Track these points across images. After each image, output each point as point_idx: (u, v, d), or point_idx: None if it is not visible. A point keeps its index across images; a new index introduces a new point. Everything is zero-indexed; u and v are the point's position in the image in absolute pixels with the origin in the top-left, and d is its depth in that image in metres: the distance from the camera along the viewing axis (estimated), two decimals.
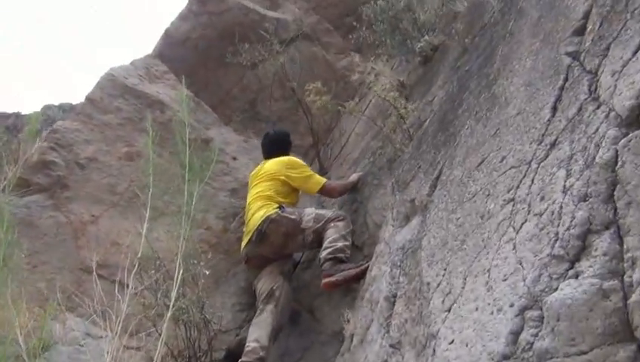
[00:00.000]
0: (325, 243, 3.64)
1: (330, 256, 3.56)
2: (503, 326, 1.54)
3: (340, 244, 3.60)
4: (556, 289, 1.46)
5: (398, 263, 2.58)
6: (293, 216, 3.83)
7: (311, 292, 3.90)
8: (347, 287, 3.49)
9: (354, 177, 4.12)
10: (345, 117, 6.25)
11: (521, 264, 1.63)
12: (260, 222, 3.80)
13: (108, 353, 2.86)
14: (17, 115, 5.26)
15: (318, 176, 4.12)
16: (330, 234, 3.67)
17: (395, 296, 2.47)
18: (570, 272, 1.46)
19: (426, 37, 4.88)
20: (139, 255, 3.17)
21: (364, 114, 4.71)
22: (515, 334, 1.50)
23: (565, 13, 2.56)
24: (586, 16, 2.37)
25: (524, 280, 1.57)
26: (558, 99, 2.10)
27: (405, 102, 4.01)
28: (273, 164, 4.14)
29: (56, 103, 6.65)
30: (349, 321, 3.11)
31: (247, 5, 6.80)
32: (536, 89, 2.32)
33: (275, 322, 3.65)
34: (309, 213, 3.87)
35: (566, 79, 2.14)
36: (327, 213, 3.89)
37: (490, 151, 2.30)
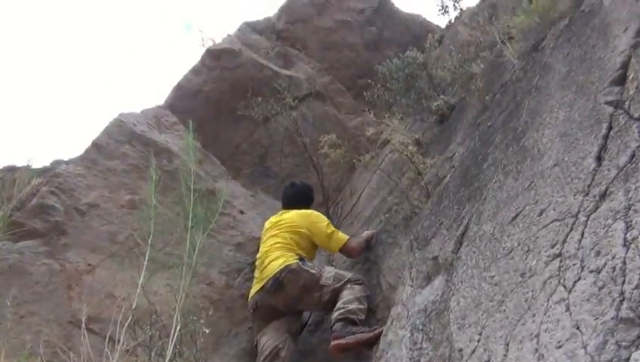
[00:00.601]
0: (338, 304, 3.38)
1: (341, 317, 3.29)
2: None
3: (353, 306, 3.33)
4: (627, 359, 1.23)
5: (420, 327, 2.33)
6: (313, 271, 3.61)
7: (318, 358, 3.60)
8: (358, 354, 3.19)
9: (367, 234, 3.90)
10: (356, 175, 6.11)
11: (578, 328, 1.39)
12: (278, 270, 3.56)
13: None
14: (27, 169, 5.09)
15: (341, 234, 3.89)
16: (345, 296, 3.42)
17: None
18: None
19: (443, 96, 4.80)
20: (133, 306, 2.90)
21: (378, 168, 4.54)
22: None
23: (599, 65, 2.46)
24: (624, 66, 2.27)
25: (584, 348, 1.33)
26: (603, 148, 1.94)
27: (423, 158, 3.85)
28: (295, 216, 3.94)
29: (66, 158, 6.57)
30: None
31: (260, 62, 6.82)
32: (575, 139, 2.16)
33: None
34: (330, 271, 3.65)
35: (610, 127, 1.99)
36: (347, 274, 3.66)
37: (526, 205, 2.11)
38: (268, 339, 3.54)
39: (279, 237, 3.79)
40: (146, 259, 3.07)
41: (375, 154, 5.14)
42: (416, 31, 7.63)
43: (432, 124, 4.85)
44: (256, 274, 3.78)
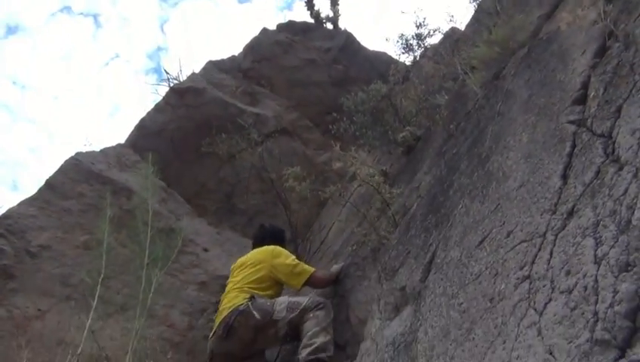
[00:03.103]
0: (304, 340, 3.18)
1: (311, 357, 3.09)
2: None
3: (320, 341, 3.15)
4: None
5: (389, 361, 2.19)
6: (264, 307, 3.38)
7: None
8: None
9: (335, 268, 3.75)
10: (325, 210, 6.00)
11: (551, 353, 1.29)
12: (227, 313, 3.35)
13: None
14: None
15: (306, 266, 3.70)
16: (310, 328, 3.22)
17: None
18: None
19: (408, 127, 4.78)
20: (79, 351, 2.69)
21: (347, 201, 4.45)
22: None
23: (560, 87, 2.45)
24: (585, 86, 2.26)
25: None
26: (568, 166, 1.88)
27: (390, 188, 3.78)
28: (258, 253, 3.78)
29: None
30: None
31: (225, 100, 6.75)
32: (539, 159, 2.12)
33: None
34: (282, 302, 3.42)
35: (574, 145, 1.95)
36: (303, 299, 3.45)
37: (492, 228, 2.03)
38: None
39: (239, 276, 3.61)
40: (95, 300, 2.86)
41: (343, 187, 5.06)
42: (382, 68, 7.69)
43: (399, 156, 4.82)
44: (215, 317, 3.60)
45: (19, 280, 3.66)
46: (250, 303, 3.35)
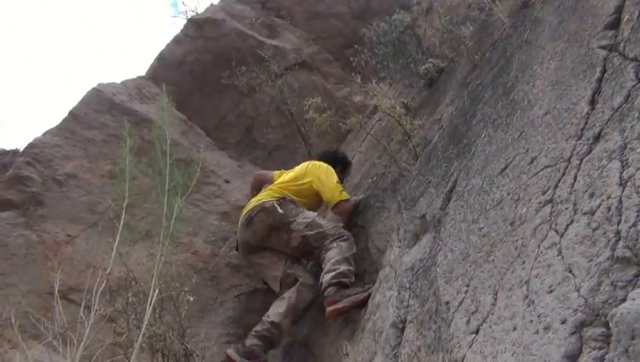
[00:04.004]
0: (328, 266, 3.28)
1: (334, 281, 3.19)
2: (554, 347, 1.21)
3: (343, 268, 3.24)
4: (624, 299, 1.14)
5: (407, 285, 2.24)
6: (286, 212, 3.53)
7: (306, 324, 3.53)
8: (347, 317, 3.11)
9: (355, 200, 3.79)
10: (344, 145, 6.00)
11: (571, 271, 1.31)
12: (252, 206, 3.60)
13: None
14: (15, 152, 4.95)
15: (344, 193, 3.77)
16: (333, 256, 3.31)
17: (404, 322, 2.13)
18: None
19: (431, 59, 4.67)
20: (108, 271, 2.80)
21: (368, 134, 4.43)
22: (572, 357, 1.16)
23: (592, 12, 2.36)
24: (619, 10, 2.17)
25: (577, 290, 1.25)
26: (597, 91, 1.84)
27: (411, 120, 3.75)
28: (308, 165, 3.94)
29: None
30: (347, 355, 2.74)
31: (245, 31, 6.64)
32: (567, 86, 2.07)
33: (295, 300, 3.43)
34: (306, 217, 3.56)
35: (604, 71, 1.90)
36: (327, 225, 3.56)
37: (516, 155, 2.01)
38: (274, 271, 3.55)
39: (282, 178, 3.82)
40: (121, 225, 2.95)
41: (364, 121, 5.03)
42: (404, 0, 7.45)
43: (421, 89, 4.74)
44: None
45: (48, 207, 3.79)
46: (276, 202, 3.52)
